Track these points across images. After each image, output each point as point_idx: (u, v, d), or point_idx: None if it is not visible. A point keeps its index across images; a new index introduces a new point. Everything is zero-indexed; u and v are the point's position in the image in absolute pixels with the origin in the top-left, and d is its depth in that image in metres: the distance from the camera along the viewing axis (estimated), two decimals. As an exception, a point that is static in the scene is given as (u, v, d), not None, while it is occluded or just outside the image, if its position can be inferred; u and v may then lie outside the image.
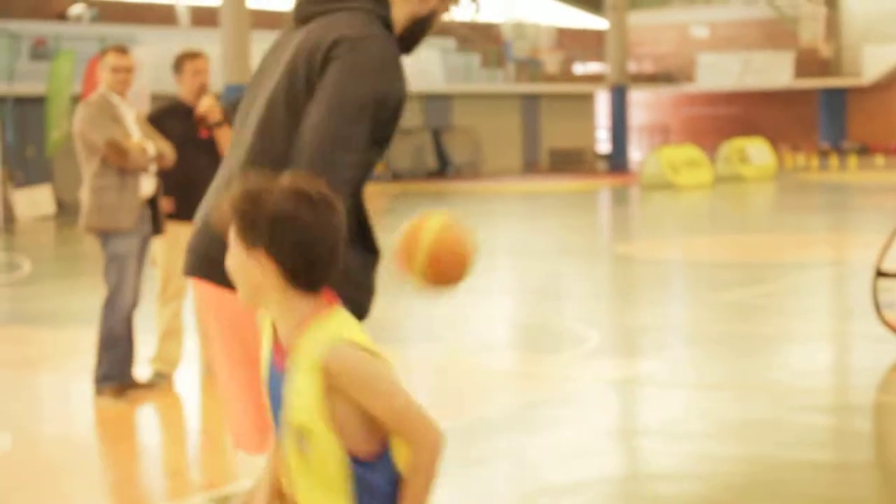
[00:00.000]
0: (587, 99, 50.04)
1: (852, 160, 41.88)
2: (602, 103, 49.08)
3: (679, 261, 16.76)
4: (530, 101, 46.71)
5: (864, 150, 49.30)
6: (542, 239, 19.60)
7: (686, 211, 26.06)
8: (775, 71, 52.32)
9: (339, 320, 2.86)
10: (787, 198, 28.77)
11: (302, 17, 3.73)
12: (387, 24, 3.69)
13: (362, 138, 3.52)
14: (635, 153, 48.75)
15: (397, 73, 3.60)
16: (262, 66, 3.80)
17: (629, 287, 14.10)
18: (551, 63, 47.38)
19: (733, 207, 27.05)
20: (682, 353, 9.73)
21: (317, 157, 3.46)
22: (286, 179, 2.86)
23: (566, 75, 48.67)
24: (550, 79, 46.92)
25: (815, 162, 42.90)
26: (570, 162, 46.30)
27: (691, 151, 34.30)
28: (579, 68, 51.90)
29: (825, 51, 52.81)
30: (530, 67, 46.15)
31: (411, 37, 3.78)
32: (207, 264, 3.55)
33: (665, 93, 56.07)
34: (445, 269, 3.42)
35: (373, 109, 3.52)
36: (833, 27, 53.71)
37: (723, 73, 52.94)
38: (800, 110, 53.67)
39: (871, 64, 50.82)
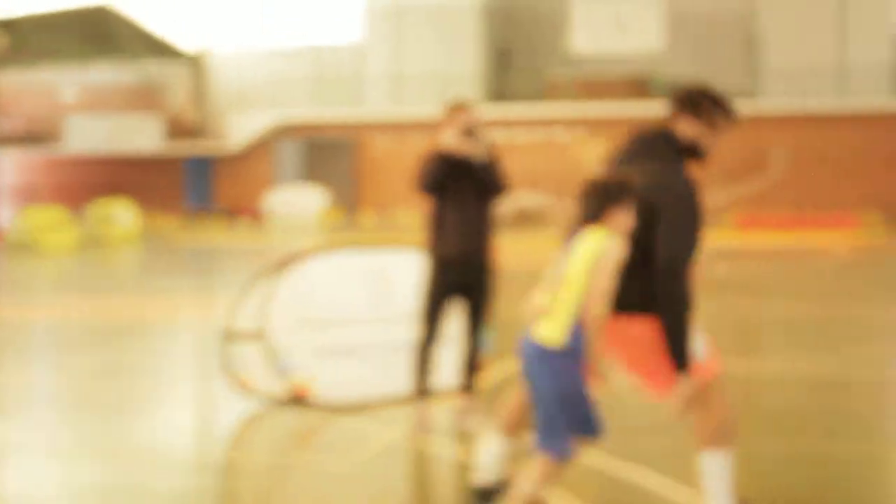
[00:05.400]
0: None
1: (218, 223, 42.88)
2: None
3: (43, 323, 16.42)
4: None
5: (230, 214, 50.66)
6: None
7: (51, 272, 25.59)
8: (144, 134, 52.70)
9: None
10: (154, 260, 28.95)
11: None
12: None
13: None
14: (4, 214, 47.32)
15: None
16: None
17: (-12, 352, 13.62)
18: None
19: (99, 269, 26.87)
20: (39, 418, 9.52)
21: None
22: None
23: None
24: None
25: (182, 225, 43.51)
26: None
27: (57, 213, 33.81)
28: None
29: (192, 116, 53.87)
30: None
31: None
32: None
33: (34, 154, 54.96)
34: None
35: None
36: (200, 94, 54.90)
37: (92, 135, 52.66)
38: (168, 173, 54.36)
39: (236, 130, 52.40)
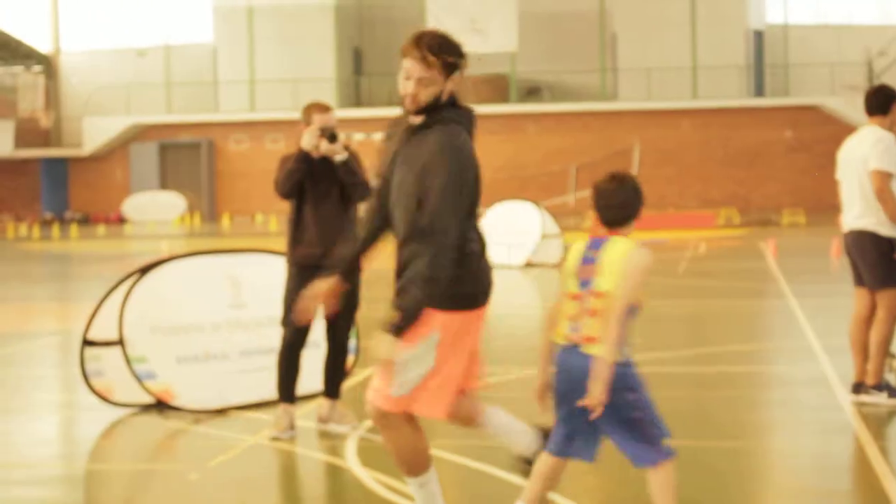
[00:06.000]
0: None
1: (74, 230, 42.21)
2: None
3: None
4: None
5: (86, 220, 49.92)
6: None
7: None
8: (-4, 140, 51.74)
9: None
10: (10, 267, 28.41)
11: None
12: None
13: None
14: None
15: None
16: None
17: None
18: None
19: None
20: None
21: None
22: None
23: None
24: None
25: (37, 232, 42.76)
26: None
27: None
28: None
29: (45, 121, 52.95)
30: None
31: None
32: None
33: None
34: None
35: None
36: (53, 98, 53.98)
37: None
38: (22, 180, 53.34)
39: (91, 135, 51.62)
